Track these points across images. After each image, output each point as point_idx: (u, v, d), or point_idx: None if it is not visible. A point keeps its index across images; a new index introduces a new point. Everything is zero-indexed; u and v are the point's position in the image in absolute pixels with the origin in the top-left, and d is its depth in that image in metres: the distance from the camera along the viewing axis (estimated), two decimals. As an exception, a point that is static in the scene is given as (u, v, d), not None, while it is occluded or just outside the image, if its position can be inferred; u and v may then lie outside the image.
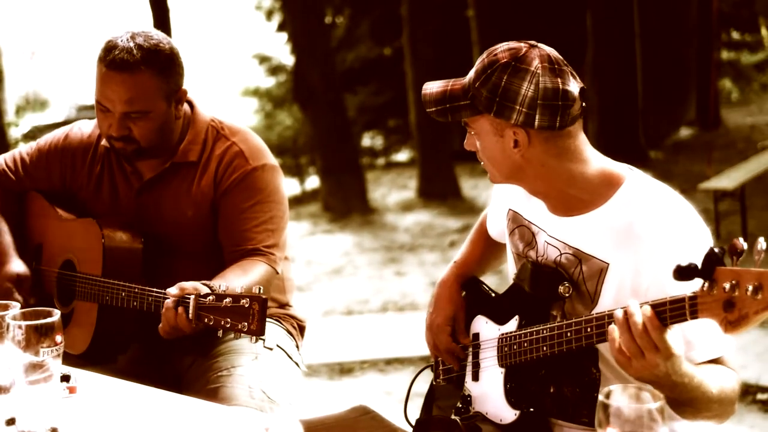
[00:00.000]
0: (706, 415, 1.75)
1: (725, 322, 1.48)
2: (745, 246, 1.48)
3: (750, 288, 1.44)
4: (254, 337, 1.92)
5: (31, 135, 14.63)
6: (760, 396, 4.40)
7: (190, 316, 1.98)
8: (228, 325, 1.93)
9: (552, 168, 1.86)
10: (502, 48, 1.86)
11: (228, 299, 1.93)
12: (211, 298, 1.96)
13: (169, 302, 2.03)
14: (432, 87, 1.93)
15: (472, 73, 1.88)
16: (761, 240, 1.45)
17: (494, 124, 1.85)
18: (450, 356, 2.16)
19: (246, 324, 1.91)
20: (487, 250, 2.28)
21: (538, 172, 1.87)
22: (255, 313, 1.90)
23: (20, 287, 2.45)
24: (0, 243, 2.52)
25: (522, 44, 1.86)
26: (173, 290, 2.03)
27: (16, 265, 2.49)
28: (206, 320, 1.96)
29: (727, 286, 1.47)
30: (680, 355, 1.62)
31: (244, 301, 1.91)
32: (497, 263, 2.32)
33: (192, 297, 1.99)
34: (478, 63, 1.88)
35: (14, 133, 14.78)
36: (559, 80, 1.80)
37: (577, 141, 1.86)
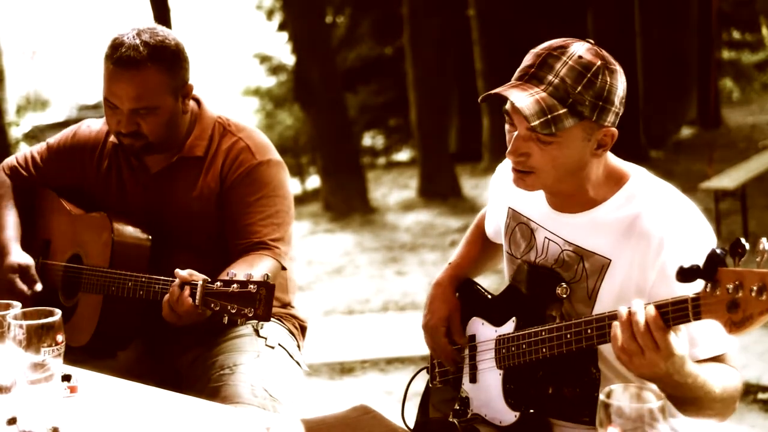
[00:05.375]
0: (708, 413, 1.74)
1: (729, 323, 1.48)
2: (747, 246, 1.47)
3: (754, 289, 1.44)
4: (259, 323, 1.92)
5: (32, 135, 14.61)
6: (761, 395, 4.40)
7: (197, 301, 1.99)
8: (234, 311, 1.95)
9: (591, 166, 1.84)
10: (582, 49, 1.77)
11: (235, 285, 1.95)
12: (218, 284, 1.98)
13: (176, 282, 2.05)
14: (521, 99, 1.75)
15: (560, 78, 1.74)
16: (764, 240, 1.45)
17: (587, 129, 1.77)
18: (446, 357, 2.15)
19: (252, 309, 1.93)
20: (483, 250, 2.26)
21: (583, 171, 1.84)
22: (262, 298, 1.92)
23: (23, 276, 2.46)
24: (2, 237, 2.54)
25: (589, 42, 1.81)
26: (183, 273, 2.05)
27: (18, 256, 2.50)
28: (212, 305, 1.97)
29: (730, 287, 1.47)
30: (683, 355, 1.60)
31: (251, 286, 1.93)
32: (493, 264, 2.30)
33: (200, 282, 2.00)
34: (562, 67, 1.75)
35: (15, 132, 14.76)
36: None
37: None
